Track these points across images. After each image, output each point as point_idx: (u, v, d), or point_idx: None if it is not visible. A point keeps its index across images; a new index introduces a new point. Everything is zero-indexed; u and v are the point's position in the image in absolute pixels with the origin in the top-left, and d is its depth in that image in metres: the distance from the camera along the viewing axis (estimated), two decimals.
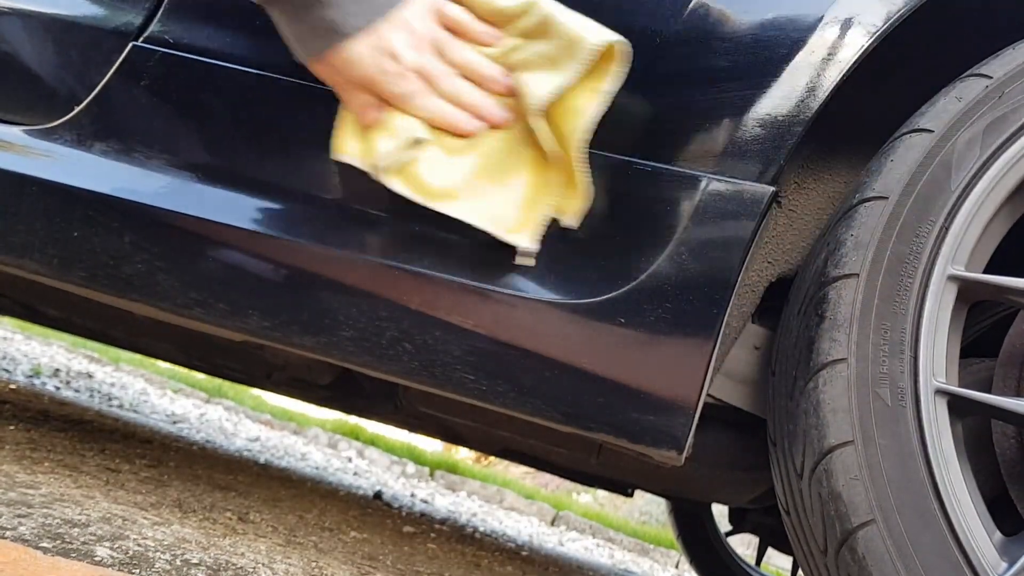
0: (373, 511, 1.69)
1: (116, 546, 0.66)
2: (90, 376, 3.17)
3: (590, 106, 0.68)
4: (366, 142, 0.70)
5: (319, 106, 0.75)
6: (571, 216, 0.71)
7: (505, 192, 0.71)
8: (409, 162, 0.69)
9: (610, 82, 0.68)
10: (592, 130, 0.68)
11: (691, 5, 0.73)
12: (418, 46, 0.69)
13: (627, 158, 0.72)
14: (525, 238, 0.70)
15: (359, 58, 0.67)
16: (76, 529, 0.67)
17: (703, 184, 0.71)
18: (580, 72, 0.67)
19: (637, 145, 0.72)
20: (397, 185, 0.69)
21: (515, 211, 0.71)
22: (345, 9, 0.66)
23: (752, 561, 2.18)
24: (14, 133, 0.78)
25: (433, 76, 0.70)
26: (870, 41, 0.72)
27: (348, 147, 0.71)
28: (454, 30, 0.71)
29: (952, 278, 0.68)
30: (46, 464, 0.95)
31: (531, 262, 0.71)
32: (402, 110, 0.70)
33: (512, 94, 0.71)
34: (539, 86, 0.68)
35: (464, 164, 0.70)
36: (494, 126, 0.71)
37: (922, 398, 0.66)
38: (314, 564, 0.85)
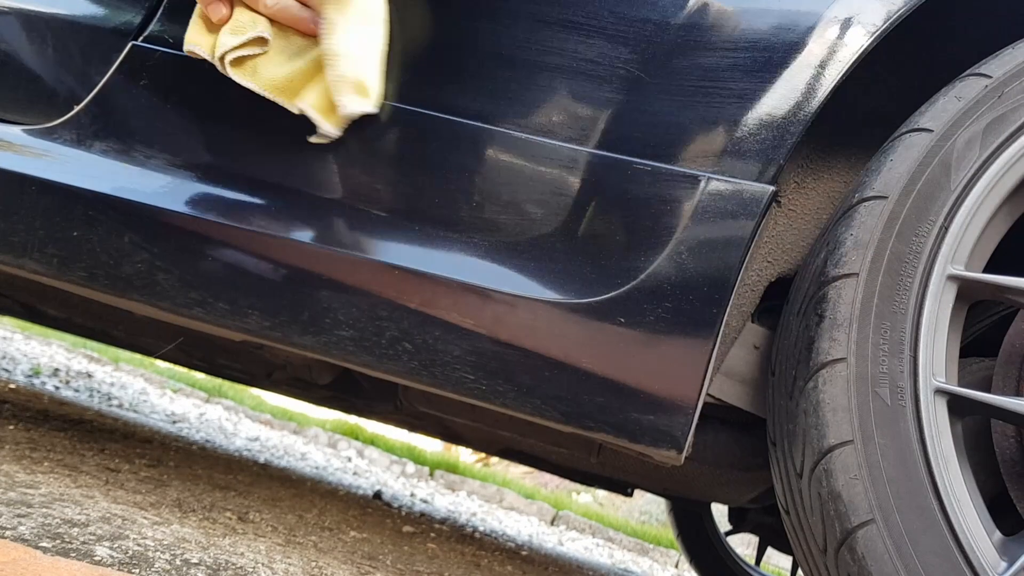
0: (373, 511, 1.69)
1: (116, 546, 0.66)
2: (90, 376, 3.17)
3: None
4: (213, 37, 0.73)
5: None
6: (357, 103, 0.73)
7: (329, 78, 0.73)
8: (252, 56, 0.73)
9: None
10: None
11: (690, 3, 0.73)
12: None
13: (627, 157, 0.72)
14: (330, 125, 0.73)
15: None
16: (76, 529, 0.67)
17: (703, 183, 0.71)
18: None
19: (637, 144, 0.72)
20: (239, 77, 0.73)
21: (327, 99, 0.73)
22: None
23: (752, 560, 2.18)
24: (14, 133, 0.78)
25: None
26: (870, 40, 0.72)
27: (198, 40, 0.74)
28: None
29: (952, 277, 0.68)
30: (46, 464, 0.95)
31: (326, 140, 0.74)
32: (249, 7, 0.72)
33: None
34: None
35: (306, 59, 0.73)
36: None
37: (922, 398, 0.66)
38: (314, 564, 0.85)
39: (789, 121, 0.71)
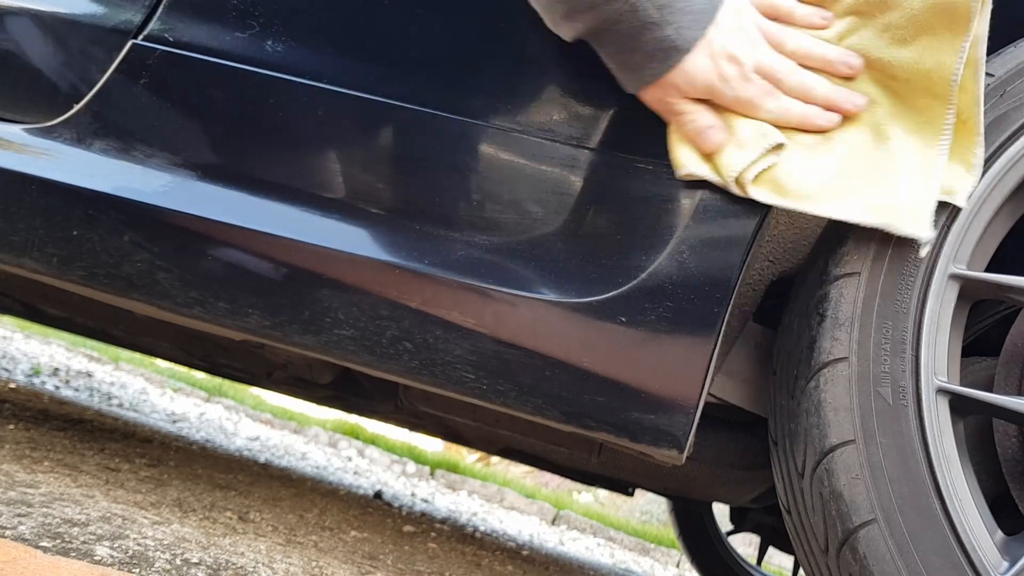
0: (373, 510, 1.69)
1: (116, 545, 0.66)
2: (90, 375, 3.17)
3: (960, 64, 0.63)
4: (714, 154, 0.67)
5: (320, 105, 0.75)
6: (960, 195, 0.65)
7: (883, 179, 0.65)
8: (768, 168, 0.66)
9: (975, 31, 0.63)
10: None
11: None
12: (753, 43, 0.65)
13: (629, 156, 0.72)
14: (920, 226, 0.64)
15: (699, 70, 0.64)
16: (76, 528, 0.67)
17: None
18: (955, 34, 0.63)
19: (639, 143, 0.72)
20: (760, 194, 0.66)
21: (900, 198, 0.65)
22: (678, 23, 0.62)
23: (753, 560, 2.18)
24: (14, 131, 0.78)
25: (776, 72, 0.66)
26: None
27: (693, 162, 0.68)
28: (781, 19, 0.68)
29: (954, 277, 0.68)
30: (46, 463, 0.95)
31: (926, 250, 0.66)
32: (747, 115, 0.66)
33: (856, 75, 0.67)
34: (919, 57, 0.64)
35: (829, 158, 0.66)
36: (850, 115, 0.67)
37: (923, 397, 0.66)
38: (314, 563, 0.85)
39: None
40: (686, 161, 0.68)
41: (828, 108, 0.66)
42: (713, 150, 0.67)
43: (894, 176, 0.65)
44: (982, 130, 0.65)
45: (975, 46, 0.64)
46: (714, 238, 0.69)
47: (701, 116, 0.66)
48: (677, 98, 0.66)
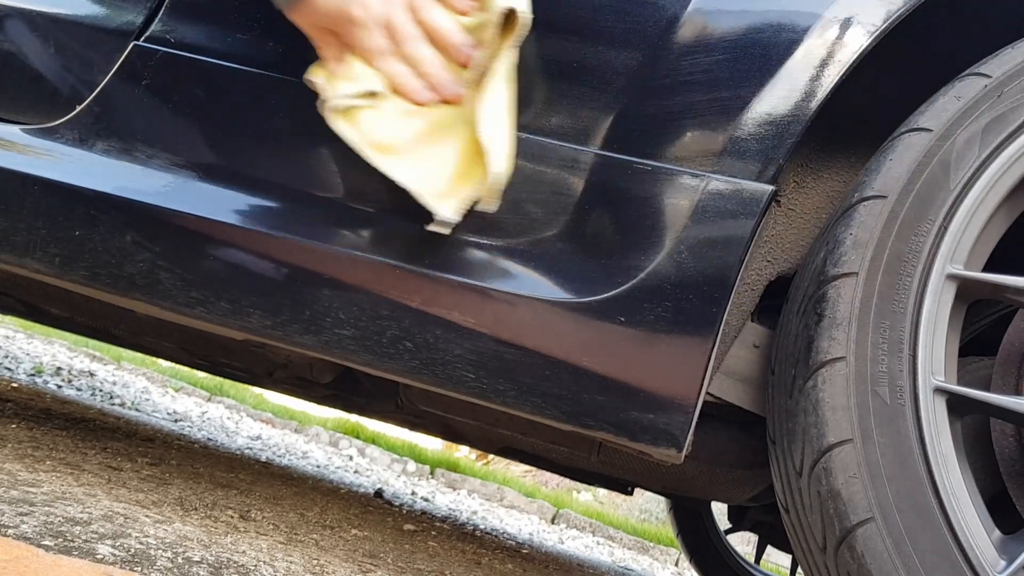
0: (374, 509, 1.69)
1: (118, 544, 0.66)
2: (92, 375, 3.17)
3: (489, 82, 0.69)
4: (333, 78, 0.72)
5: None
6: (488, 199, 0.70)
7: (441, 161, 0.71)
8: (359, 108, 0.70)
9: (504, 59, 0.69)
10: (498, 108, 0.69)
11: (691, 4, 0.74)
12: (388, 0, 0.70)
13: (627, 157, 0.72)
14: (447, 208, 0.69)
15: (326, 5, 0.69)
16: (78, 527, 0.68)
17: (703, 183, 0.71)
18: (493, 46, 0.69)
19: (638, 144, 0.73)
20: (341, 127, 0.70)
21: (445, 181, 0.71)
22: None
23: (752, 559, 2.18)
24: (15, 132, 0.79)
25: (399, 35, 0.70)
26: (869, 41, 0.72)
27: (319, 74, 0.73)
28: None
29: (951, 277, 0.68)
30: (48, 462, 0.95)
31: (446, 230, 0.71)
32: (363, 60, 0.71)
33: (469, 65, 0.72)
34: (478, 59, 0.70)
35: (410, 125, 0.71)
36: (446, 100, 0.72)
37: (921, 396, 0.66)
38: (315, 562, 0.85)
39: (788, 121, 0.71)
40: (314, 72, 0.73)
41: (432, 88, 0.71)
42: (328, 74, 0.72)
43: (448, 160, 0.71)
44: (498, 136, 0.68)
45: (497, 60, 0.69)
46: (712, 238, 0.70)
47: (328, 46, 0.72)
48: (313, 24, 0.71)
